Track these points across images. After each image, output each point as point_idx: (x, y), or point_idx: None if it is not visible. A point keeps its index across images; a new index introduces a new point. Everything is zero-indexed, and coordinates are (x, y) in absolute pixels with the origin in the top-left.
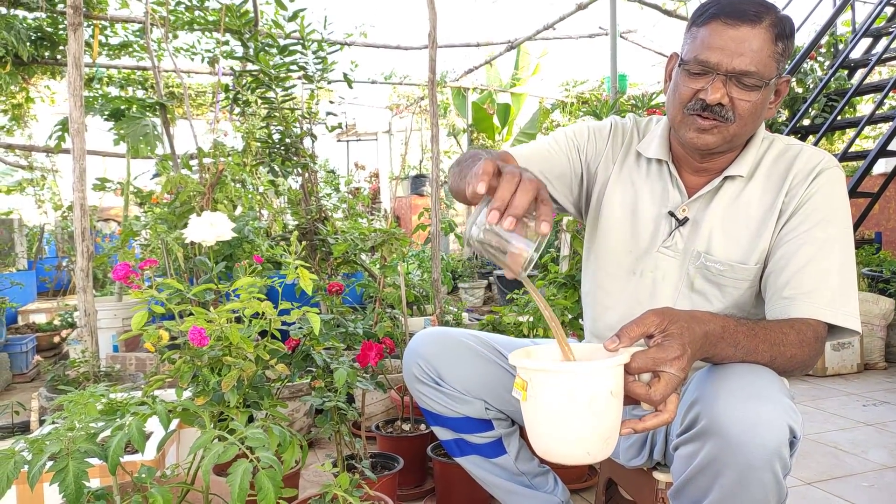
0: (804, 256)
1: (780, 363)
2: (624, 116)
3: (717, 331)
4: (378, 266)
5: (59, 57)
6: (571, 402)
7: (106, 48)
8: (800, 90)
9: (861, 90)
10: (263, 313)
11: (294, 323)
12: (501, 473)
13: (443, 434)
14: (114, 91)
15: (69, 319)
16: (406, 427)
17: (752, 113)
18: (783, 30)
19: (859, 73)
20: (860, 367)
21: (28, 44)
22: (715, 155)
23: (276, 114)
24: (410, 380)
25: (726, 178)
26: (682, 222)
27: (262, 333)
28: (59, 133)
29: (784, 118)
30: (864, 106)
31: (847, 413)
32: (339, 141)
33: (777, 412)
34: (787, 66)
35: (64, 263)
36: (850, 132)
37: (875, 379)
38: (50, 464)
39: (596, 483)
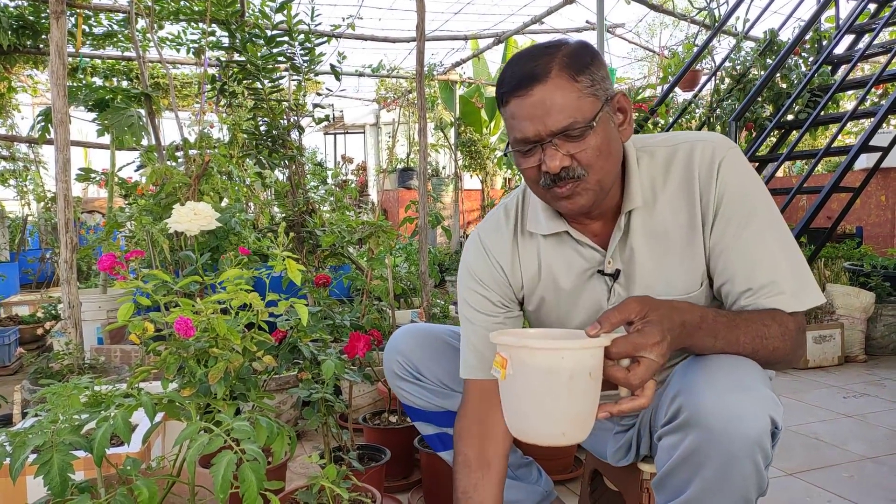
0: (746, 258)
1: (763, 355)
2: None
3: (694, 321)
4: (365, 259)
5: (41, 46)
6: (551, 380)
7: (90, 38)
8: (784, 85)
9: (844, 86)
10: (250, 305)
11: (281, 315)
12: None
13: (425, 429)
14: (98, 82)
15: (53, 312)
16: (393, 419)
17: (599, 155)
18: (579, 63)
19: (843, 68)
20: (841, 359)
21: (9, 32)
22: (596, 206)
23: (263, 105)
24: (391, 377)
25: (627, 214)
26: (615, 276)
27: (249, 326)
28: (43, 123)
29: (768, 113)
30: (848, 103)
31: (828, 405)
32: (326, 134)
33: (758, 403)
34: (609, 87)
35: (47, 255)
36: (834, 128)
37: (855, 371)
38: (33, 457)
39: (581, 474)
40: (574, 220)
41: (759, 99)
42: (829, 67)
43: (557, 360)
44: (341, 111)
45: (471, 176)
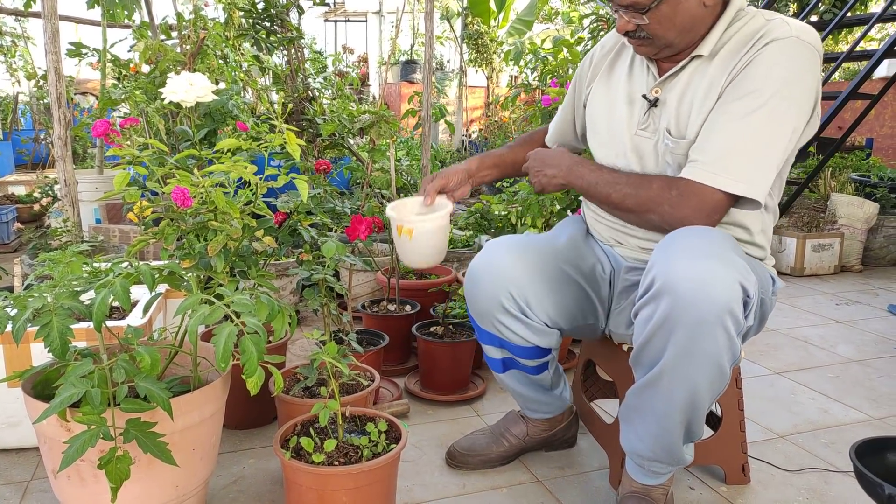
0: (714, 125)
1: (615, 199)
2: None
3: (564, 165)
4: (366, 150)
5: None
6: (440, 231)
7: None
8: None
9: None
10: (249, 183)
11: (280, 198)
12: (534, 387)
13: (493, 353)
14: None
15: (49, 192)
16: (391, 307)
17: (661, 27)
18: None
19: None
20: (837, 268)
21: None
22: (669, 56)
23: None
24: (496, 310)
25: (693, 57)
26: (653, 103)
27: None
28: None
29: (792, 13)
30: (875, 6)
31: (820, 311)
32: (326, 21)
33: (728, 270)
34: None
35: (41, 136)
36: (858, 31)
37: (850, 280)
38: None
39: (575, 365)
40: None
41: None
42: None
43: (440, 221)
44: None
45: (476, 71)
